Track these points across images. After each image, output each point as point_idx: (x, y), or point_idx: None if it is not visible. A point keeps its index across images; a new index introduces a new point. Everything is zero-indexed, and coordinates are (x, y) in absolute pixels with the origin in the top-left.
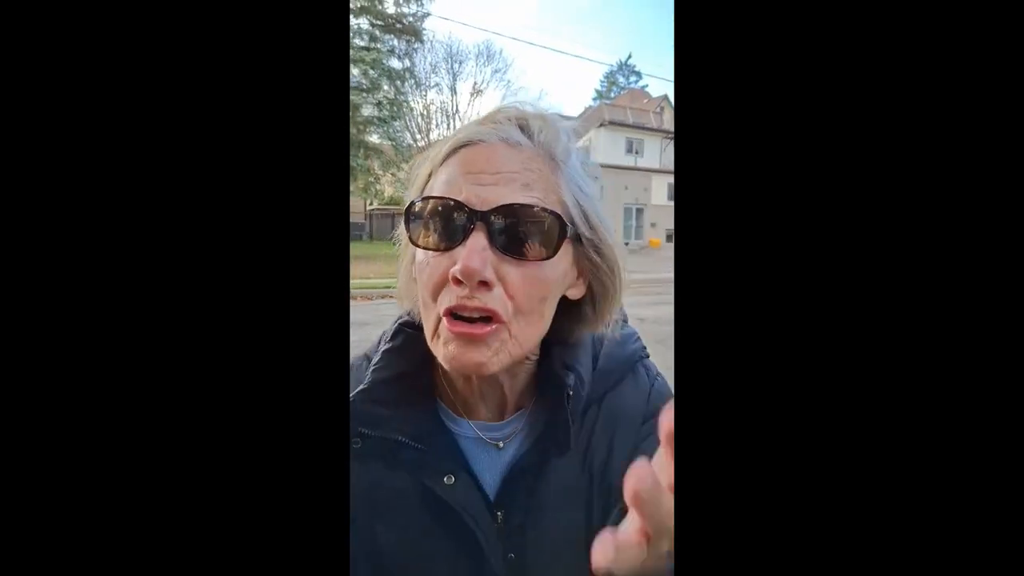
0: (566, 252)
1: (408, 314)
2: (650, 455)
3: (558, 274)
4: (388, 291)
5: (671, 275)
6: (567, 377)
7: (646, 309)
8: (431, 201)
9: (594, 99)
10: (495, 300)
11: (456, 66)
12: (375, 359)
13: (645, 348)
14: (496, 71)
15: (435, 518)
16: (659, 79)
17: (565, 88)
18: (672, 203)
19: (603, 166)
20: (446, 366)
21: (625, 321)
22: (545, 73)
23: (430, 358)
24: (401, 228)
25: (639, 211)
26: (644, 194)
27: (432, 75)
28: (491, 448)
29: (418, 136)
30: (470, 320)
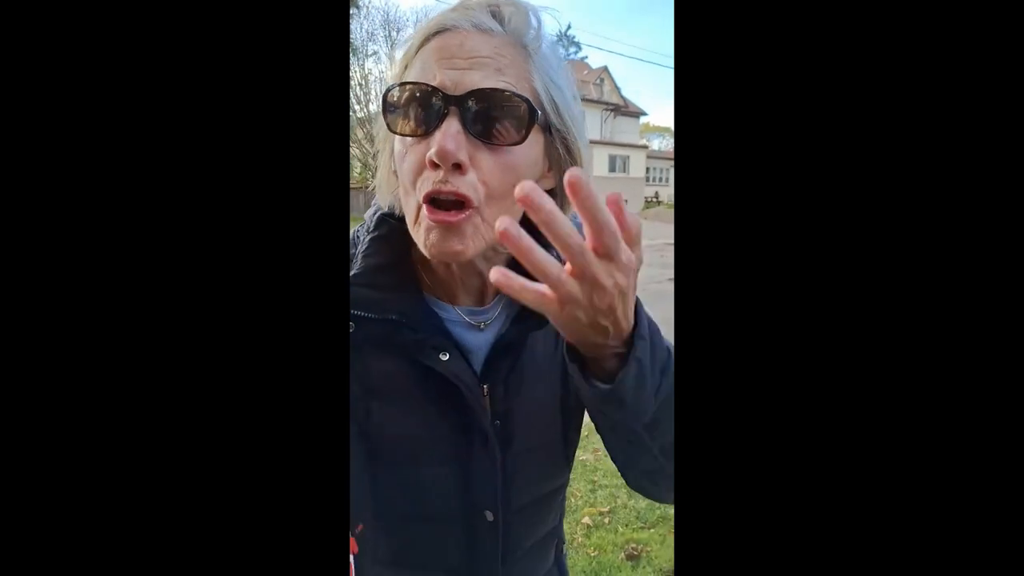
0: (536, 141)
1: (388, 207)
2: None
3: (529, 161)
4: None
5: None
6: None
7: None
8: (407, 87)
9: None
10: (467, 185)
11: (394, 33)
12: (363, 247)
13: None
14: None
15: (430, 393)
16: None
17: None
18: (613, 175)
19: None
20: (427, 254)
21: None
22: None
23: (411, 248)
24: (380, 122)
25: None
26: (587, 165)
27: (369, 43)
28: (474, 329)
29: (357, 107)
30: (446, 207)
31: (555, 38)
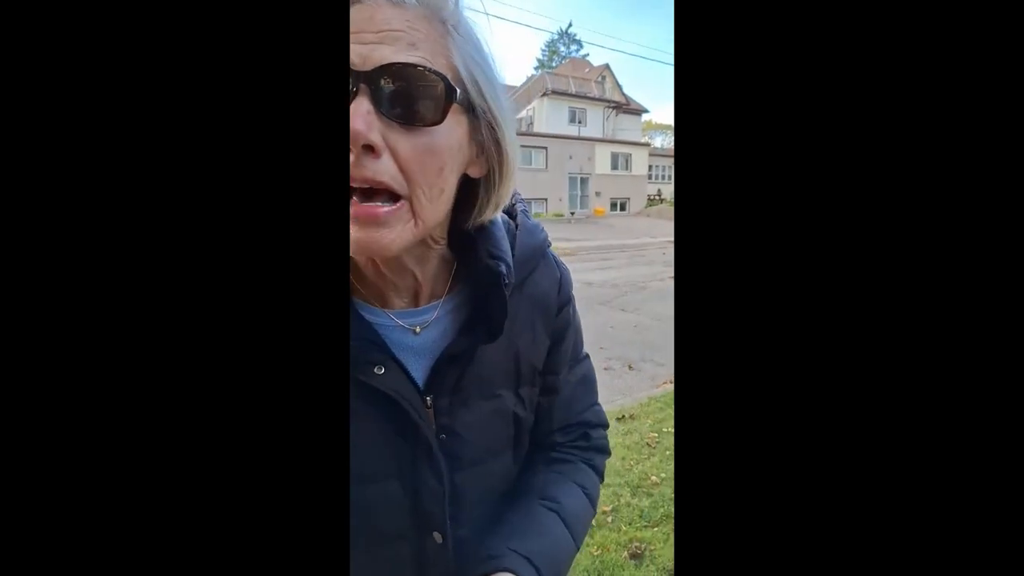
0: (459, 123)
1: None
2: (563, 337)
3: (452, 144)
4: None
5: (615, 242)
6: (499, 266)
7: (592, 274)
8: None
9: (535, 68)
10: (383, 171)
11: None
12: None
13: (548, 237)
14: None
15: (368, 408)
16: (599, 47)
17: (506, 56)
18: (616, 172)
19: (547, 136)
20: (351, 249)
21: (525, 212)
22: (485, 40)
23: None
24: None
25: (583, 180)
26: (588, 163)
27: None
28: (409, 333)
29: None
30: (370, 197)
31: (555, 36)
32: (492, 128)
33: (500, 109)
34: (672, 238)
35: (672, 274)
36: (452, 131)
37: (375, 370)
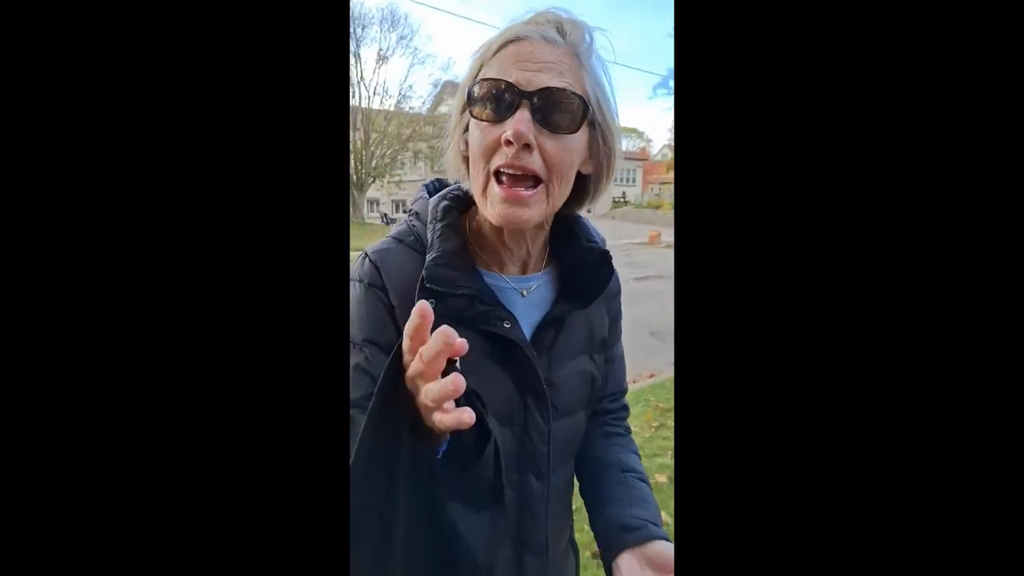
0: (584, 132)
1: (454, 182)
2: (618, 318)
3: (579, 148)
4: None
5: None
6: (600, 248)
7: None
8: (488, 82)
9: None
10: (536, 163)
11: (359, 31)
12: (435, 234)
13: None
14: (402, 37)
15: (495, 356)
16: None
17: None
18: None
19: None
20: (496, 221)
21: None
22: (453, 40)
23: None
24: (455, 112)
25: None
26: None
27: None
28: (518, 295)
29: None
30: (518, 183)
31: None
32: (605, 138)
33: (613, 125)
34: (635, 240)
35: (637, 275)
36: (581, 138)
37: (504, 324)
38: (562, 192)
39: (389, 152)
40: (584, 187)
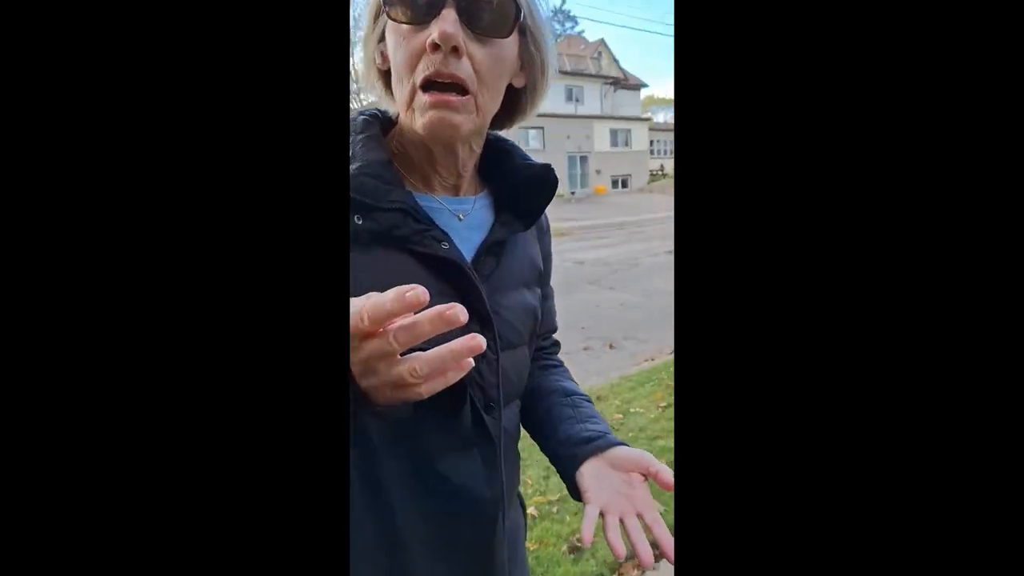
0: (515, 40)
1: (371, 102)
2: (550, 254)
3: (511, 57)
4: None
5: (615, 220)
6: (536, 165)
7: (585, 253)
8: None
9: None
10: (464, 70)
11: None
12: (358, 147)
13: None
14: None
15: (434, 279)
16: (594, 22)
17: None
18: (615, 149)
19: (543, 115)
20: (423, 132)
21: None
22: None
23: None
24: (367, 18)
25: (583, 159)
26: (587, 141)
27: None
28: (454, 218)
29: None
30: (445, 89)
31: (549, 14)
32: (538, 47)
33: (544, 32)
34: (673, 213)
35: (668, 249)
36: (512, 45)
37: (442, 245)
38: (492, 105)
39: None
40: (515, 102)
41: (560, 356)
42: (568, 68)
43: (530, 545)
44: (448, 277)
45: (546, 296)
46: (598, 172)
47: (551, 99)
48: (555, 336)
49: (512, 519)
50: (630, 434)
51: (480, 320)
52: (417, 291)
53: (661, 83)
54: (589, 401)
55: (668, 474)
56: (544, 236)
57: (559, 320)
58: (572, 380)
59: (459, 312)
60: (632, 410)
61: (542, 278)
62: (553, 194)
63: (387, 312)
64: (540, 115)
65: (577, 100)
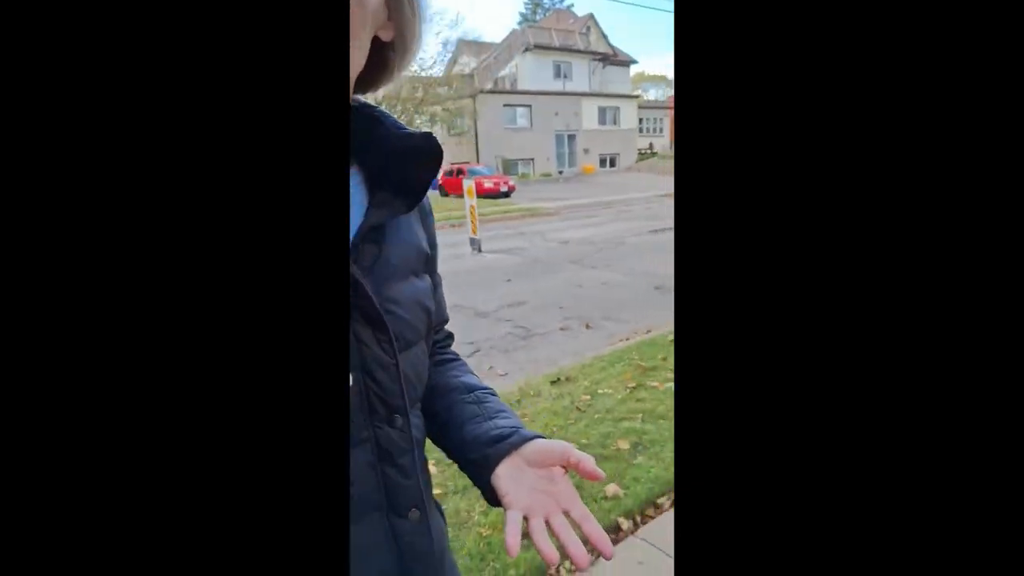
0: None
1: None
2: (435, 240)
3: (374, 3)
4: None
5: (603, 199)
6: (415, 135)
7: (569, 232)
8: None
9: (519, 23)
10: None
11: None
12: None
13: None
14: None
15: None
16: None
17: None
18: (604, 127)
19: (531, 93)
20: None
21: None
22: None
23: None
24: None
25: (571, 137)
26: (575, 119)
27: None
28: None
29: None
30: None
31: None
32: None
33: None
34: (660, 192)
35: (652, 228)
36: None
37: None
38: (356, 56)
39: (403, 117)
40: (382, 60)
41: (537, 336)
42: (556, 44)
43: (482, 531)
44: None
45: (436, 285)
46: (586, 151)
47: (540, 76)
48: (447, 327)
49: (436, 527)
50: (596, 415)
51: (370, 321)
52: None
53: (652, 59)
54: (494, 395)
55: (589, 462)
56: (428, 218)
57: (540, 298)
58: (472, 374)
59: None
60: (600, 391)
61: (430, 264)
62: (438, 167)
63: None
64: (528, 92)
65: (565, 76)
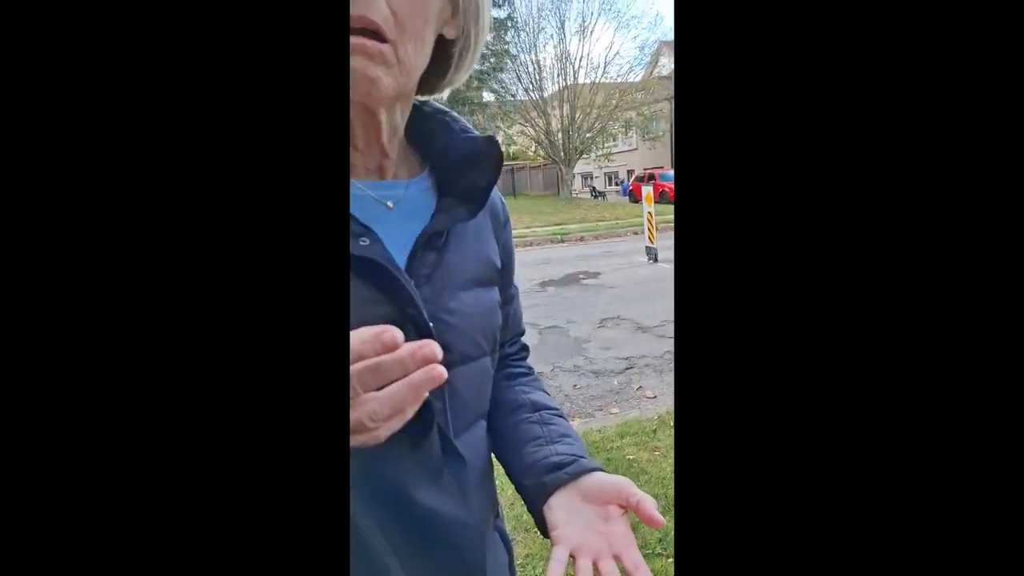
0: None
1: None
2: (511, 250)
3: (438, 0)
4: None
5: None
6: (479, 139)
7: None
8: None
9: None
10: (377, 12)
11: (563, 6)
12: None
13: None
14: (603, 3)
15: (358, 288)
16: None
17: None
18: None
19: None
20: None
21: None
22: None
23: None
24: None
25: None
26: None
27: (538, 19)
28: (381, 207)
29: (530, 87)
30: (356, 34)
31: None
32: None
33: None
34: None
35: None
36: None
37: (360, 241)
38: (417, 59)
39: (597, 124)
40: (446, 59)
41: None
42: None
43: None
44: (371, 279)
45: (510, 298)
46: None
47: None
48: (523, 339)
49: (493, 555)
50: None
51: (416, 328)
52: (393, 332)
53: None
54: (561, 416)
55: (649, 504)
56: (503, 228)
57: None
58: (543, 390)
59: (434, 350)
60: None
61: (502, 276)
62: (498, 173)
63: (356, 354)
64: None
65: None
